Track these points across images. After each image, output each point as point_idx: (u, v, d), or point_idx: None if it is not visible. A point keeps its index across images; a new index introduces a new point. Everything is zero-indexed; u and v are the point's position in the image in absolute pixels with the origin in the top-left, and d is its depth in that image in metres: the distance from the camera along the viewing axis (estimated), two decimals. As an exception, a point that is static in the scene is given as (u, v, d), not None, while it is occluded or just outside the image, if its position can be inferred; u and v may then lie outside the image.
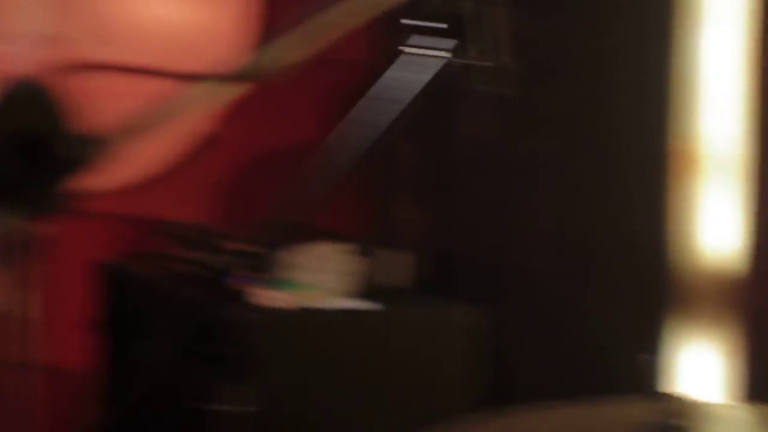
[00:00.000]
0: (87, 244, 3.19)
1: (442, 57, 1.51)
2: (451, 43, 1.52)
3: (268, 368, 1.95)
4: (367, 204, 3.12)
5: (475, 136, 2.67)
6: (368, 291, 2.61)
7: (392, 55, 2.73)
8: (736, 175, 2.30)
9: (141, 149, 3.13)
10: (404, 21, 1.45)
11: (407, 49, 1.47)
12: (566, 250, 2.73)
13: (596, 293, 2.64)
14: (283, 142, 3.16)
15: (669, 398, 1.18)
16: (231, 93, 1.11)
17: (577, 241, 2.70)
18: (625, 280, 2.57)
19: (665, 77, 2.36)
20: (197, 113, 1.06)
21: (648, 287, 2.47)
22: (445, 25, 1.54)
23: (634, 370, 2.06)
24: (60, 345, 3.22)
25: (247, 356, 1.69)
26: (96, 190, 3.21)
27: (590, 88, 2.59)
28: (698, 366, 2.34)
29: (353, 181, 2.96)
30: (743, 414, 1.36)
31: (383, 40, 3.04)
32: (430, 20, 1.53)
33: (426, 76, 1.50)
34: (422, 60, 1.51)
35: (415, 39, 1.47)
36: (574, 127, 2.65)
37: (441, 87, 1.48)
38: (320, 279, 2.49)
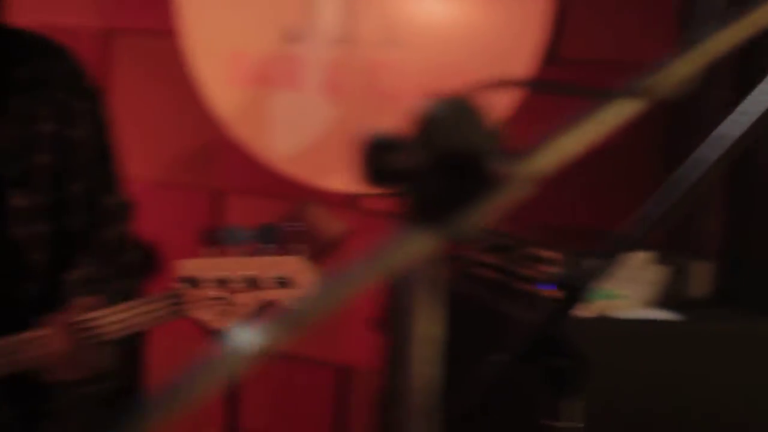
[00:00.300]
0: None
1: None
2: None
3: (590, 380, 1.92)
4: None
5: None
6: (669, 301, 2.55)
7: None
8: None
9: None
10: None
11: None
12: None
13: None
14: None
15: None
16: (632, 111, 1.07)
17: None
18: None
19: None
20: (605, 133, 1.03)
21: None
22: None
23: None
24: (347, 343, 3.28)
25: (577, 368, 1.66)
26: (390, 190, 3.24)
27: None
28: None
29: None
30: None
31: (680, 43, 2.96)
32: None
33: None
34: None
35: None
36: None
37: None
38: (625, 288, 2.44)
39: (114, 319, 1.87)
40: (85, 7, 3.64)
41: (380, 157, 0.96)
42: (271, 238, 1.88)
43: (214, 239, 1.88)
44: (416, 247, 0.92)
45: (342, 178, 3.31)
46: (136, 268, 2.15)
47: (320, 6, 3.27)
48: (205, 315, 1.87)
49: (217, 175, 3.55)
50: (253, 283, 1.84)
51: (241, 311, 1.85)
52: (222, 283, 1.85)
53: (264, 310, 1.87)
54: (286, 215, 3.09)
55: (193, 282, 1.86)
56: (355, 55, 3.24)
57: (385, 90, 3.22)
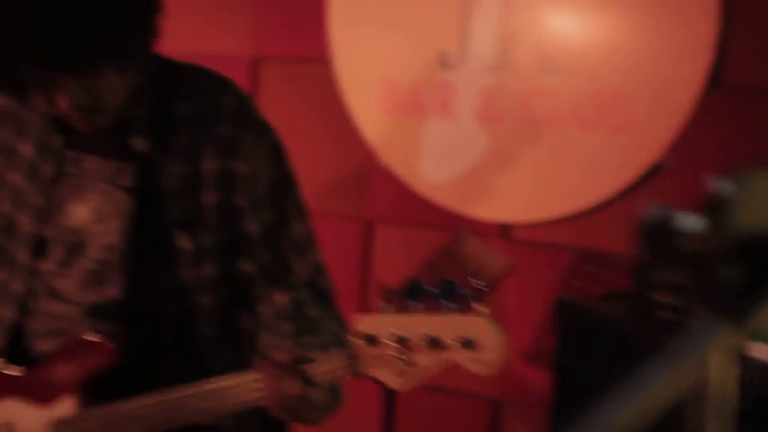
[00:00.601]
0: (541, 275, 3.17)
1: None
2: None
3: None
4: None
5: None
6: None
7: None
8: None
9: (585, 177, 3.05)
10: None
11: None
12: None
13: None
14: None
15: None
16: None
17: None
18: None
19: None
20: None
21: None
22: None
23: None
24: (503, 377, 3.21)
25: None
26: (543, 219, 3.15)
27: None
28: None
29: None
30: None
31: None
32: None
33: None
34: None
35: None
36: None
37: None
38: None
39: (321, 366, 1.81)
40: (234, 35, 3.64)
41: (664, 238, 0.89)
42: (453, 296, 1.75)
43: (392, 294, 1.78)
44: (712, 344, 0.84)
45: (494, 207, 3.25)
46: (332, 292, 2.09)
47: (475, 32, 3.21)
48: (384, 374, 1.76)
49: (368, 203, 3.51)
50: (434, 343, 1.72)
51: (421, 372, 1.75)
52: (402, 341, 1.72)
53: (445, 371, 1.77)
54: (442, 248, 3.04)
55: (372, 339, 1.75)
56: (510, 82, 3.18)
57: (541, 118, 3.15)
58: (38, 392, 2.05)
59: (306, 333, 1.97)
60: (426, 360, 1.72)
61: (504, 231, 3.27)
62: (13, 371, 2.07)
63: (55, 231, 2.03)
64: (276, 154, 2.05)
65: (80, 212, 2.02)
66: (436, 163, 3.33)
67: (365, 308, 3.46)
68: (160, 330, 2.01)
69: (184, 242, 1.98)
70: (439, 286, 1.73)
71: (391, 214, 3.47)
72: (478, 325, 1.70)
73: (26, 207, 2.05)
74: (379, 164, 3.42)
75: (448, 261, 2.97)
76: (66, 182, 2.03)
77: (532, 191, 3.18)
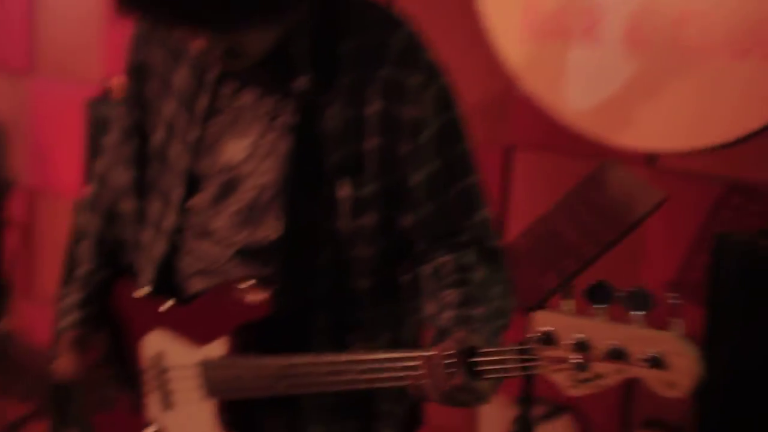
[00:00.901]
0: (688, 206, 3.11)
1: None
2: None
3: None
4: None
5: None
6: None
7: None
8: None
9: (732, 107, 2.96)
10: None
11: None
12: None
13: None
14: None
15: None
16: None
17: None
18: None
19: None
20: None
21: None
22: None
23: None
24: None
25: None
26: (691, 149, 3.07)
27: None
28: None
29: None
30: None
31: None
32: None
33: None
34: None
35: None
36: None
37: None
38: None
39: (491, 362, 1.70)
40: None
41: None
42: (643, 306, 1.58)
43: (575, 293, 1.63)
44: None
45: (639, 135, 3.18)
46: (501, 252, 1.94)
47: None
48: (559, 378, 1.64)
49: (508, 129, 3.46)
50: (617, 355, 1.53)
51: (598, 383, 1.55)
52: (581, 347, 1.56)
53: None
54: (587, 177, 2.98)
55: (550, 339, 1.58)
56: (660, 7, 3.08)
57: (691, 44, 3.05)
58: (191, 329, 2.00)
59: (471, 303, 1.83)
60: (605, 371, 1.55)
61: (650, 160, 3.20)
62: (166, 304, 2.03)
63: (209, 167, 1.95)
64: (444, 100, 1.90)
65: (236, 149, 1.93)
66: (579, 89, 3.27)
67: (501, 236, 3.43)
68: (313, 279, 1.90)
69: (344, 189, 1.87)
70: (629, 293, 1.57)
71: (532, 140, 3.42)
72: (669, 342, 1.50)
73: (180, 140, 1.98)
74: (520, 90, 3.36)
75: (594, 191, 2.91)
76: (221, 117, 1.95)
77: (681, 120, 3.10)
